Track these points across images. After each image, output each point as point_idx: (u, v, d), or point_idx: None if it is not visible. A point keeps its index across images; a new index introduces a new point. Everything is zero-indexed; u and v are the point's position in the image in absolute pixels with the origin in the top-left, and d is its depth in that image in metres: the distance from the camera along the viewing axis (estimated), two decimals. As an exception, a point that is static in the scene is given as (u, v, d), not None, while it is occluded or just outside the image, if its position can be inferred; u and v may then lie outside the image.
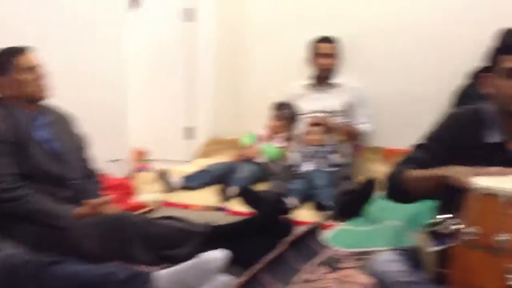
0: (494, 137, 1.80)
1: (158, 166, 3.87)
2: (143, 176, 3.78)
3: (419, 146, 1.90)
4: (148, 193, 3.38)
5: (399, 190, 1.82)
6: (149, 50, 4.39)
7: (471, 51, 3.43)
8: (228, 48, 4.43)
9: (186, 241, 2.29)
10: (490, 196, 1.37)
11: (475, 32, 3.45)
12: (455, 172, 1.59)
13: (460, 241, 1.44)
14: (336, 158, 3.53)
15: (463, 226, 1.43)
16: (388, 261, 1.75)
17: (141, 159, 4.01)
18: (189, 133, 4.44)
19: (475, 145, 1.80)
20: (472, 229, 1.38)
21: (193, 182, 3.56)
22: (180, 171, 3.79)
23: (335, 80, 3.84)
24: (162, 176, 3.52)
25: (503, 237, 1.33)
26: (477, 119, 1.84)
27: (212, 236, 2.35)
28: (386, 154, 3.86)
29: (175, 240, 2.29)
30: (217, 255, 1.95)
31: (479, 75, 1.90)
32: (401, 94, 3.96)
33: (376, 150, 3.98)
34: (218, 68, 4.39)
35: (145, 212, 3.05)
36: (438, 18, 3.83)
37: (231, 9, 4.41)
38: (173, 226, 2.38)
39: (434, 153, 1.83)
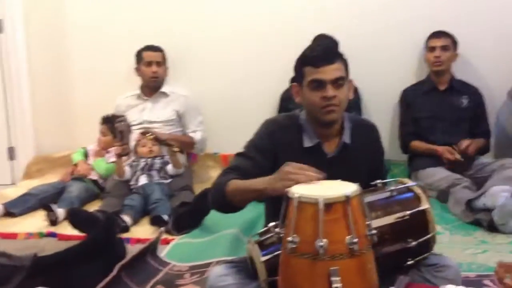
0: (310, 141, 1.88)
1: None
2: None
3: (241, 155, 1.92)
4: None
5: (223, 201, 1.81)
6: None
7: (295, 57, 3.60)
8: (46, 59, 4.14)
9: (7, 279, 2.08)
10: (307, 204, 1.40)
11: (298, 38, 3.60)
12: (269, 182, 1.62)
13: (284, 249, 1.47)
14: (170, 169, 3.48)
15: (286, 234, 1.45)
16: (221, 275, 1.74)
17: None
18: (11, 153, 4.08)
19: (295, 149, 1.87)
20: (293, 237, 1.41)
21: (16, 208, 3.25)
22: (2, 195, 3.48)
23: (164, 89, 3.79)
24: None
25: (322, 242, 1.37)
26: (294, 125, 1.92)
27: (37, 269, 2.15)
28: (225, 160, 3.91)
29: (-7, 279, 2.07)
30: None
31: (292, 84, 1.97)
32: (234, 100, 4.03)
33: (215, 157, 4.02)
34: (35, 82, 4.08)
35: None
36: (263, 26, 3.94)
37: (46, 19, 4.12)
38: (-10, 263, 2.15)
39: (256, 161, 1.86)
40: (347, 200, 1.40)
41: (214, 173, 3.82)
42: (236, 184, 1.76)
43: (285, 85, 3.72)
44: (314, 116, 1.86)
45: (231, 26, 3.98)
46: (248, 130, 2.00)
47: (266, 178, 1.67)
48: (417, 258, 1.73)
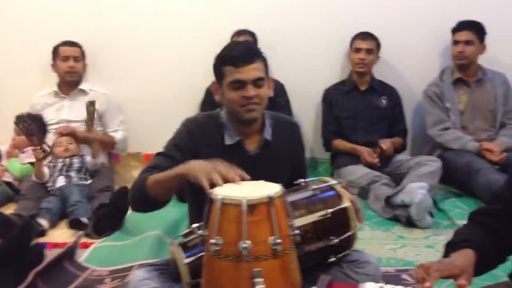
0: (231, 139, 1.87)
1: None
2: None
3: (160, 154, 1.89)
4: None
5: (144, 198, 1.76)
6: None
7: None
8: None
9: None
10: (230, 205, 1.38)
11: (220, 35, 3.58)
12: (192, 168, 1.59)
13: (207, 251, 1.45)
14: (90, 168, 3.36)
15: (209, 236, 1.43)
16: (143, 279, 1.70)
17: None
18: None
19: (216, 147, 1.85)
20: (216, 239, 1.39)
21: None
22: None
23: (83, 86, 3.66)
24: None
25: (246, 244, 1.36)
26: (214, 123, 1.91)
27: None
28: (148, 159, 3.83)
29: None
30: None
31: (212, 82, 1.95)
32: (156, 98, 3.96)
33: (138, 157, 3.94)
34: None
35: None
36: (185, 23, 3.91)
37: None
38: None
39: (175, 160, 1.82)
40: (270, 201, 1.39)
41: (137, 173, 3.70)
42: (155, 176, 1.73)
43: (208, 82, 3.68)
44: (234, 114, 1.86)
45: (152, 23, 3.92)
46: (171, 129, 1.97)
47: (188, 163, 1.64)
48: (339, 255, 1.76)
